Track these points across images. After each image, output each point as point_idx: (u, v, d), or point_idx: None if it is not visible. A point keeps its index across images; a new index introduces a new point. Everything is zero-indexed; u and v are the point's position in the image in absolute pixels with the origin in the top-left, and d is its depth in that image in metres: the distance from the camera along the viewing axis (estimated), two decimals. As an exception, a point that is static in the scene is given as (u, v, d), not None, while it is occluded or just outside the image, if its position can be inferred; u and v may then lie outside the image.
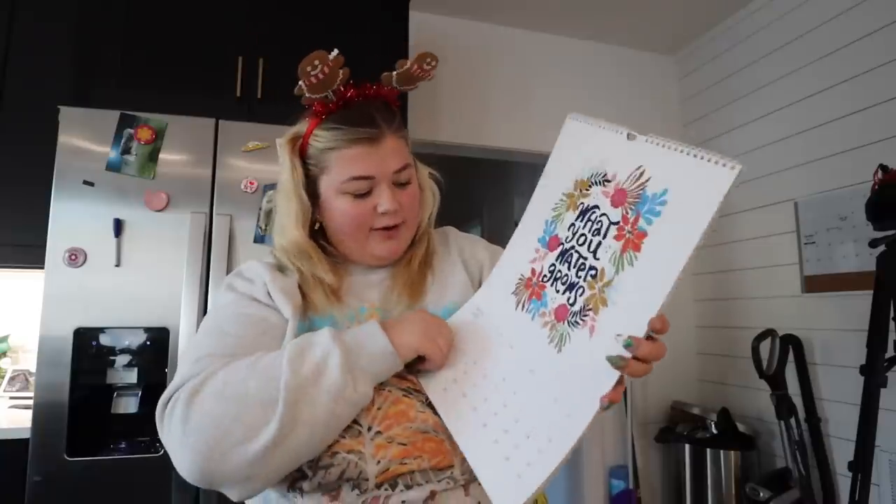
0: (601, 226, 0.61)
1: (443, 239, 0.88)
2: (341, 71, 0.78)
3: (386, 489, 0.65)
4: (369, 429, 0.66)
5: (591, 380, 0.57)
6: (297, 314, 0.72)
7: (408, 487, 0.65)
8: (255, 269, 0.78)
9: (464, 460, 0.67)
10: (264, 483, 0.62)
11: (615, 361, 0.55)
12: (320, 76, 0.75)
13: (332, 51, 0.75)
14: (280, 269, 0.79)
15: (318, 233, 0.81)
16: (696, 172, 0.53)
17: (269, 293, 0.74)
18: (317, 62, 0.74)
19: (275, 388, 0.59)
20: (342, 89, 0.78)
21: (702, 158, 0.53)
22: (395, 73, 0.81)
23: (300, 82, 0.76)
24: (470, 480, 0.68)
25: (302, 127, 0.79)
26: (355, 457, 0.64)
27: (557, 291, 0.64)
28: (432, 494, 0.66)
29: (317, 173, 0.77)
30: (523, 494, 0.56)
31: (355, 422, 0.65)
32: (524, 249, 0.70)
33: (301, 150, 0.78)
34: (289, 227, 0.77)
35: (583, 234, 0.63)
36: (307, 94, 0.78)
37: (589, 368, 0.57)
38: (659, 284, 0.53)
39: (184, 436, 0.61)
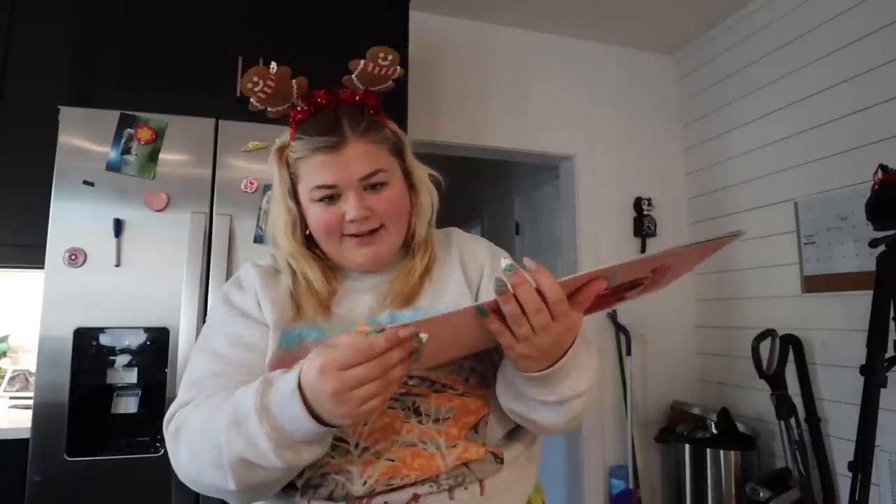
0: None
1: (445, 241, 0.86)
2: (294, 82, 0.77)
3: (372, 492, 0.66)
4: (357, 445, 0.67)
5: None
6: (279, 325, 0.73)
7: (391, 489, 0.66)
8: (250, 277, 0.80)
9: (453, 468, 0.68)
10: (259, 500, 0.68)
11: (497, 284, 0.56)
12: (267, 91, 0.76)
13: (271, 64, 0.76)
14: (277, 271, 0.80)
15: (312, 239, 0.81)
16: None
17: (259, 303, 0.76)
18: (256, 78, 0.75)
19: (221, 460, 0.60)
20: (316, 98, 0.78)
21: None
22: (353, 75, 0.79)
23: (251, 100, 0.77)
24: (455, 485, 0.68)
25: (286, 136, 0.80)
26: (343, 477, 0.66)
27: None
28: (415, 497, 0.66)
29: (296, 181, 0.78)
30: None
31: (342, 439, 0.67)
32: None
33: (287, 159, 0.79)
34: (279, 235, 0.79)
35: None
36: (268, 108, 0.79)
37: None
38: None
39: (175, 467, 0.67)
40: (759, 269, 2.46)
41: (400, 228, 0.79)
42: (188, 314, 1.56)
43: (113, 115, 1.61)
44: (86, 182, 1.56)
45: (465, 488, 0.68)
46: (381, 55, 0.78)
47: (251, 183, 1.68)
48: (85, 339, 1.54)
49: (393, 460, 0.66)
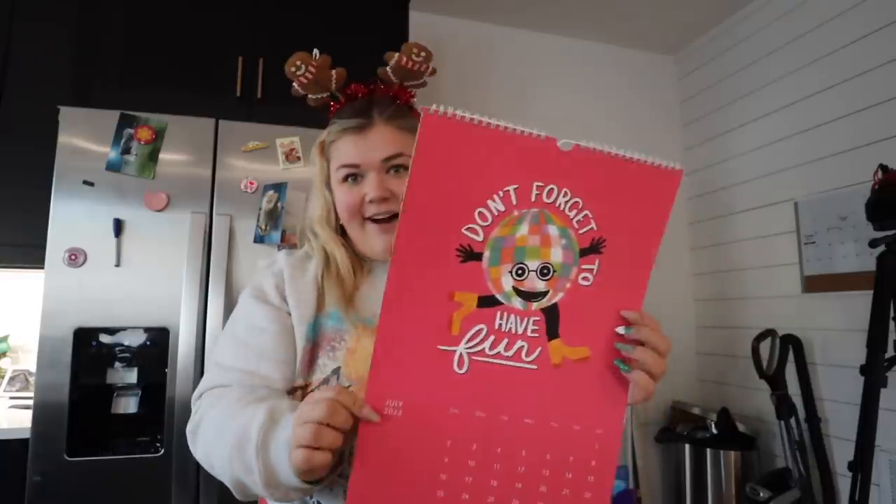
0: None
1: None
2: (334, 71, 0.80)
3: None
4: None
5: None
6: (303, 320, 0.75)
7: None
8: (278, 265, 0.82)
9: None
10: None
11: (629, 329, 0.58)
12: (308, 76, 0.78)
13: (314, 51, 0.79)
14: (309, 256, 0.82)
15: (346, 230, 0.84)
16: None
17: (283, 295, 0.78)
18: (299, 63, 0.78)
19: (225, 474, 0.65)
20: (353, 90, 0.82)
21: None
22: (388, 67, 0.82)
23: (293, 84, 0.80)
24: None
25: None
26: None
27: None
28: None
29: (329, 168, 0.82)
30: None
31: None
32: None
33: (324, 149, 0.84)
34: (316, 223, 0.82)
35: None
36: (309, 95, 0.81)
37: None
38: None
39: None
40: (759, 269, 2.46)
41: None
42: (188, 314, 1.56)
43: (113, 115, 1.61)
44: (86, 182, 1.56)
45: None
46: (415, 50, 0.81)
47: (251, 183, 1.68)
48: (85, 339, 1.54)
49: None
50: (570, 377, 0.57)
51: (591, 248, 0.57)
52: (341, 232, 0.83)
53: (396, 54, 0.81)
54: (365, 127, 0.77)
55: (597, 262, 0.57)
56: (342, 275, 0.78)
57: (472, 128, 0.54)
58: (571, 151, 0.55)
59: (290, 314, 0.76)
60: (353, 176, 0.77)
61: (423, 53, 0.81)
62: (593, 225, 0.57)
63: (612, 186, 0.56)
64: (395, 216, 0.77)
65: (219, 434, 0.66)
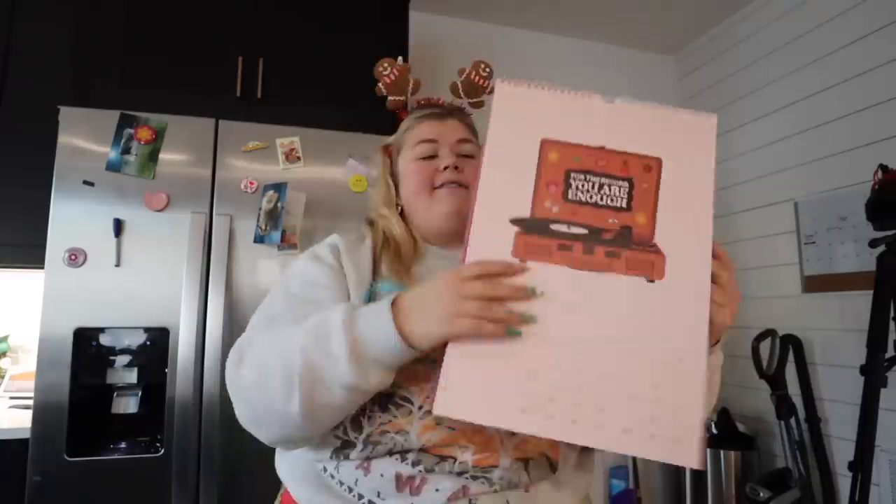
0: None
1: None
2: (412, 79, 0.96)
3: (421, 471, 0.66)
4: (420, 407, 0.68)
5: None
6: (361, 286, 0.77)
7: (442, 473, 0.66)
8: (336, 239, 0.85)
9: (512, 462, 0.67)
10: (306, 440, 0.70)
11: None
12: (393, 76, 0.94)
13: (398, 58, 0.96)
14: (362, 237, 0.86)
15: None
16: None
17: (341, 262, 0.80)
18: (386, 65, 0.95)
19: (291, 371, 0.62)
20: (430, 99, 0.96)
21: None
22: (458, 81, 0.97)
23: (378, 83, 0.95)
24: (506, 488, 0.67)
25: (390, 138, 0.95)
26: (402, 437, 0.67)
27: None
28: (464, 490, 0.66)
29: (396, 156, 0.91)
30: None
31: (407, 399, 0.69)
32: None
33: (389, 151, 0.94)
34: (381, 203, 0.90)
35: None
36: (388, 96, 0.97)
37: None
38: None
39: (235, 395, 0.68)
40: (759, 269, 2.46)
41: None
42: (188, 314, 1.56)
43: (113, 115, 1.61)
44: (86, 182, 1.56)
45: (518, 491, 0.68)
46: (482, 66, 0.97)
47: (251, 183, 1.68)
48: (85, 339, 1.54)
49: (453, 429, 0.67)
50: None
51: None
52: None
53: (467, 68, 0.94)
54: (442, 115, 0.89)
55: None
56: (401, 251, 0.82)
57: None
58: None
59: (346, 277, 0.78)
60: (429, 156, 0.86)
61: (488, 69, 0.95)
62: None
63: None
64: (462, 186, 0.84)
65: (284, 339, 0.65)
